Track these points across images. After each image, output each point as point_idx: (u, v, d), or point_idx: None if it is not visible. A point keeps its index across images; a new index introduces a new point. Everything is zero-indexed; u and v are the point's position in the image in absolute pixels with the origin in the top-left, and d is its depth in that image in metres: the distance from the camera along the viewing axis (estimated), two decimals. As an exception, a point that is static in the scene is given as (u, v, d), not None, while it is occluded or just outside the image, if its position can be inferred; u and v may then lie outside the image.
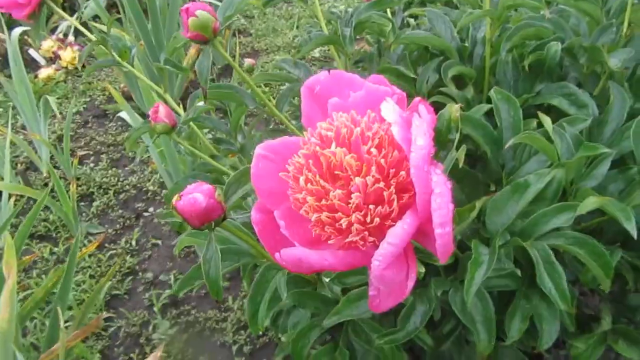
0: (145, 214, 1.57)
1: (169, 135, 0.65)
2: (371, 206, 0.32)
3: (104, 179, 1.70)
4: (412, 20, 1.03)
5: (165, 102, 0.81)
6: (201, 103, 0.69)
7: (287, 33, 2.55)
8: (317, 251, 0.33)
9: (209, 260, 0.43)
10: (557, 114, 0.73)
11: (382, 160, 0.32)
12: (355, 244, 0.33)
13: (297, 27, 2.58)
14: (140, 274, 1.37)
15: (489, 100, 0.76)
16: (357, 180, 0.32)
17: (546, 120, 0.64)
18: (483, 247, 0.57)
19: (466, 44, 0.79)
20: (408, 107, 0.36)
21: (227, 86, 0.72)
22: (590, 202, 0.54)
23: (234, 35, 2.49)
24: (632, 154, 0.65)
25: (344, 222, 0.32)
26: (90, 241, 1.46)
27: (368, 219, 0.32)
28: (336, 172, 0.33)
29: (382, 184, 0.32)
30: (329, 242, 0.34)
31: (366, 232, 0.32)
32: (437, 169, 0.33)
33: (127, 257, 1.41)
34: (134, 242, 1.46)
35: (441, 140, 0.42)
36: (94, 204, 1.61)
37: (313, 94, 0.37)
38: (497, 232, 0.58)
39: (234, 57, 2.38)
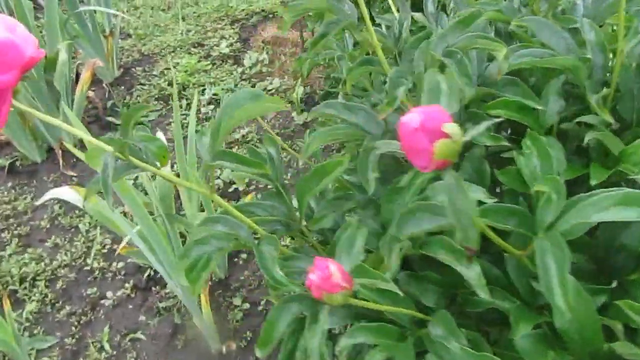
0: (104, 301, 1.23)
1: (347, 300, 0.42)
2: None
3: (24, 268, 1.32)
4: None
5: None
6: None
7: (174, 28, 2.19)
8: None
9: None
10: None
11: None
12: None
13: (184, 19, 2.23)
14: (136, 387, 1.07)
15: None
16: None
17: None
18: None
19: (588, 56, 0.64)
20: None
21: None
22: None
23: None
24: None
25: None
26: (46, 362, 1.11)
27: None
28: None
29: None
30: None
31: None
32: None
33: (108, 369, 1.10)
34: (106, 345, 1.14)
35: None
36: (26, 307, 1.23)
37: None
38: None
39: (127, 69, 1.99)
